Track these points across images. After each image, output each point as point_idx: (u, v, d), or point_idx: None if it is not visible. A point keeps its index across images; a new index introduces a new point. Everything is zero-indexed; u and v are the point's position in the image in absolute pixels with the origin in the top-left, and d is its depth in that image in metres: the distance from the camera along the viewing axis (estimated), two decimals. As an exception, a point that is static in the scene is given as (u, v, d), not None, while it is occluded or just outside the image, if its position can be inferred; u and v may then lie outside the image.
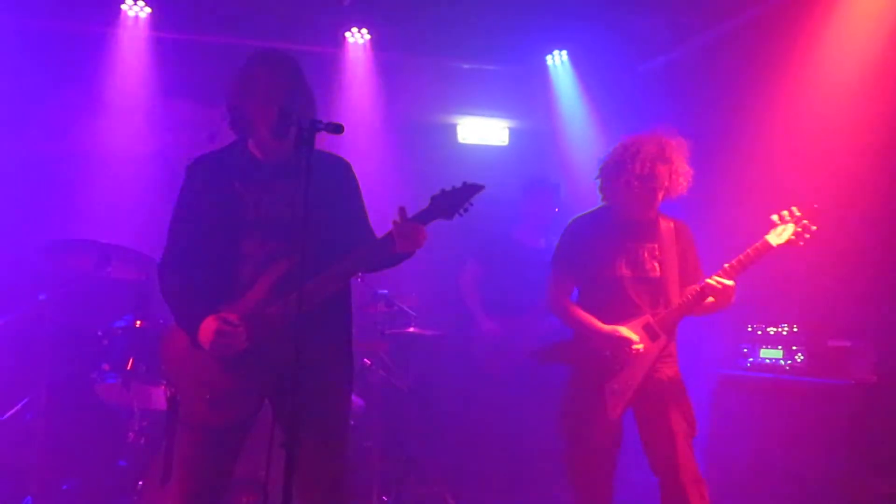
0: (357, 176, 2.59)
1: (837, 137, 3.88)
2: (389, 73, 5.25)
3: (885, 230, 3.70)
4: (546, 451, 4.40)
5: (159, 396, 3.66)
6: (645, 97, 5.18)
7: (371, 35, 5.17)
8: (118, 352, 3.68)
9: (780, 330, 3.92)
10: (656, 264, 3.07)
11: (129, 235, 4.14)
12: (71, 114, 4.90)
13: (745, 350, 4.06)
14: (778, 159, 4.20)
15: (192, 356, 2.38)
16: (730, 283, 2.92)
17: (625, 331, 2.98)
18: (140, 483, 3.61)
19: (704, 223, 4.15)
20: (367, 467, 4.11)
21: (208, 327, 2.31)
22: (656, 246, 3.10)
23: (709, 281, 2.93)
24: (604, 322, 3.03)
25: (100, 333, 3.79)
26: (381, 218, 2.57)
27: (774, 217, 3.00)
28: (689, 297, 2.99)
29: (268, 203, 2.43)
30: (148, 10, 4.81)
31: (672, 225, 3.16)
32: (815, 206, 2.99)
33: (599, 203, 3.24)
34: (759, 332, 4.01)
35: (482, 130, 5.84)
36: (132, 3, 4.78)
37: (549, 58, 5.52)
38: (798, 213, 2.98)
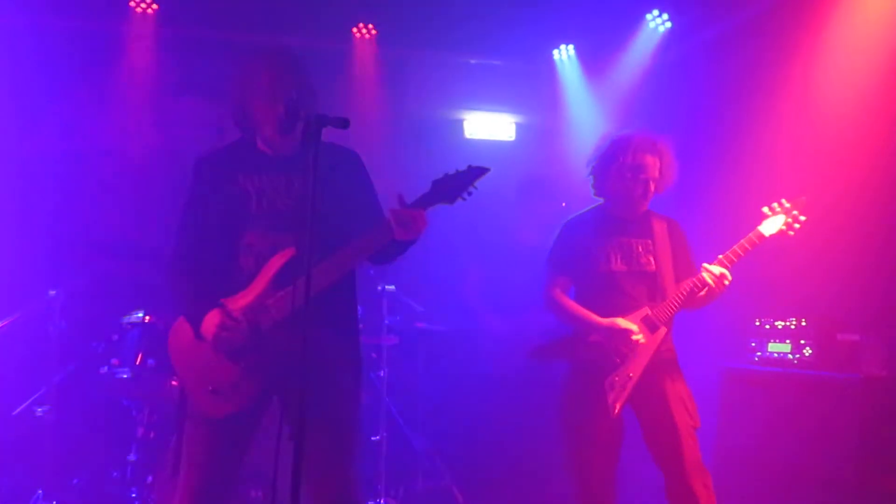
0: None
1: (847, 130, 3.86)
2: (396, 69, 5.25)
3: (895, 223, 3.68)
4: (553, 446, 4.41)
5: (168, 391, 3.69)
6: (650, 92, 5.16)
7: (378, 30, 5.17)
8: (128, 347, 3.71)
9: (788, 324, 3.91)
10: (651, 258, 3.10)
11: (137, 230, 4.16)
12: (80, 111, 4.92)
13: (753, 344, 4.05)
14: (786, 153, 4.18)
15: (197, 348, 2.39)
16: (724, 270, 2.95)
17: (623, 322, 3.00)
18: (150, 477, 3.64)
19: (707, 216, 4.15)
20: (374, 462, 4.13)
21: (211, 320, 2.33)
22: (650, 241, 3.12)
23: (705, 269, 2.96)
24: (601, 317, 3.05)
25: (109, 329, 3.82)
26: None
27: (765, 209, 3.05)
28: (685, 289, 3.01)
29: (272, 196, 2.44)
30: (154, 6, 4.82)
31: (665, 223, 3.20)
32: (803, 197, 3.03)
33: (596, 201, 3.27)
34: (767, 326, 4.00)
35: (489, 126, 5.83)
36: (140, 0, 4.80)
37: (555, 52, 5.51)
38: (787, 205, 3.04)
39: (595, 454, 3.03)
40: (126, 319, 3.80)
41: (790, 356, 3.85)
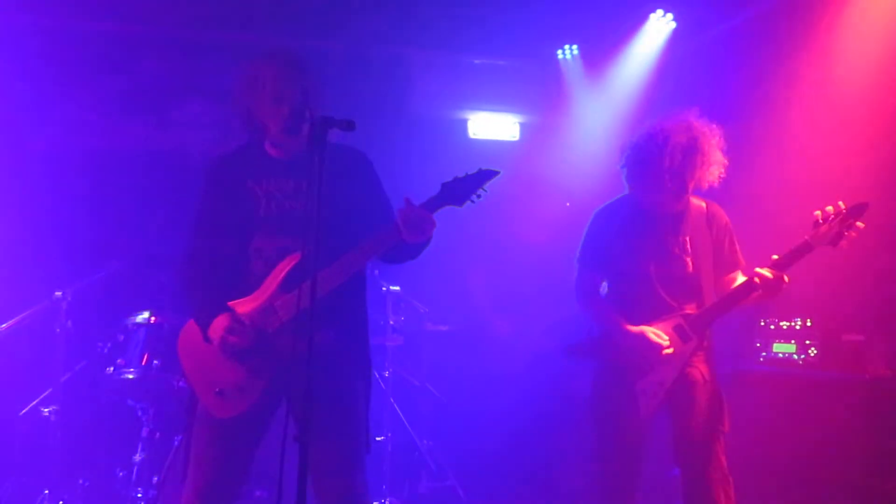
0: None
1: (856, 129, 3.84)
2: (400, 69, 5.24)
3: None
4: (557, 446, 4.41)
5: (174, 391, 3.70)
6: (655, 91, 5.16)
7: (382, 30, 5.16)
8: (133, 347, 3.72)
9: (793, 324, 3.90)
10: (688, 259, 2.93)
11: (143, 231, 4.18)
12: (86, 112, 4.93)
13: (758, 344, 4.04)
14: (796, 151, 4.16)
15: (204, 350, 2.41)
16: (779, 274, 2.75)
17: (653, 333, 2.86)
18: (155, 478, 3.65)
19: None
20: (378, 462, 4.13)
21: (219, 324, 2.34)
22: (688, 239, 2.95)
23: (757, 272, 2.76)
24: (633, 320, 2.91)
25: (115, 329, 3.84)
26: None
27: (817, 213, 2.79)
28: (732, 291, 2.84)
29: (280, 199, 2.45)
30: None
31: (704, 209, 2.99)
32: (863, 202, 2.76)
33: (615, 193, 3.12)
34: (772, 327, 3.99)
35: (493, 125, 5.83)
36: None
37: (559, 52, 5.50)
38: (844, 211, 2.76)
39: (622, 457, 2.95)
40: (132, 320, 3.81)
41: (795, 356, 3.84)
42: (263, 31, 4.78)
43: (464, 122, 5.80)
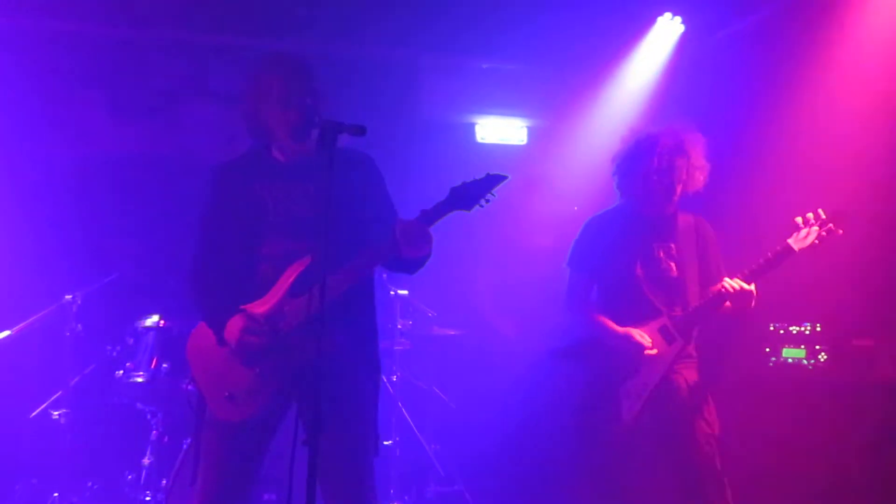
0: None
1: (864, 132, 3.82)
2: (408, 73, 5.26)
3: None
4: (566, 451, 4.40)
5: (182, 395, 3.71)
6: (663, 95, 5.15)
7: (390, 35, 5.17)
8: (142, 351, 3.74)
9: (802, 329, 3.88)
10: (673, 264, 3.03)
11: (151, 235, 4.19)
12: (96, 116, 4.97)
13: (767, 349, 4.02)
14: (803, 154, 4.14)
15: (214, 354, 2.42)
16: (748, 287, 2.84)
17: (637, 334, 2.94)
18: (164, 481, 3.66)
19: (726, 220, 4.12)
20: (386, 467, 4.13)
21: (235, 325, 2.35)
22: (673, 245, 3.05)
23: (724, 283, 2.85)
24: (620, 323, 2.99)
25: (124, 332, 3.86)
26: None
27: (798, 219, 2.91)
28: (707, 300, 2.94)
29: (288, 204, 2.45)
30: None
31: (692, 220, 3.10)
32: (843, 209, 2.87)
33: (617, 199, 3.21)
34: (782, 332, 3.97)
35: (501, 129, 5.83)
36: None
37: (567, 56, 5.49)
38: (824, 216, 2.87)
39: (606, 459, 3.00)
40: (141, 324, 3.83)
41: (805, 362, 3.82)
42: (272, 35, 4.80)
43: (472, 127, 5.81)
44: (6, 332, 3.69)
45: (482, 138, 5.80)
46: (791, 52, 4.27)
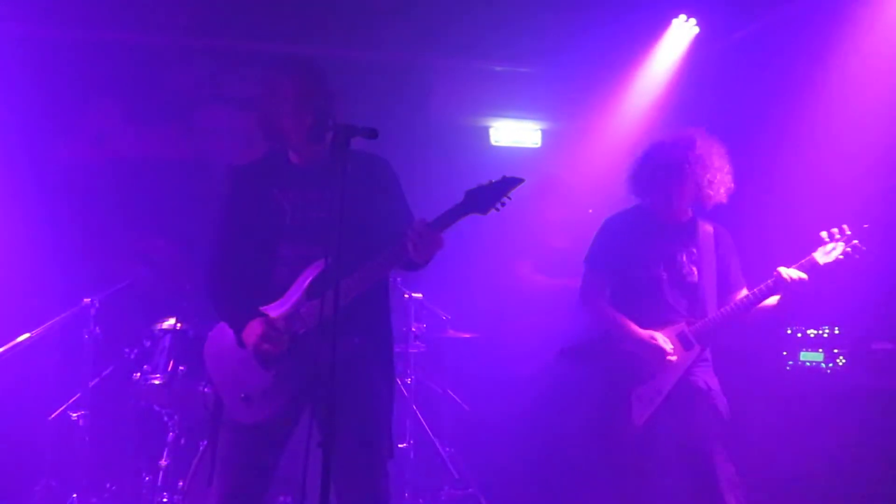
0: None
1: (881, 133, 3.78)
2: (422, 77, 5.27)
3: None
4: (583, 455, 4.38)
5: (199, 397, 3.74)
6: (678, 97, 5.12)
7: (404, 38, 5.19)
8: (159, 353, 3.77)
9: (820, 332, 3.84)
10: (694, 269, 3.00)
11: (168, 239, 4.23)
12: (111, 121, 5.03)
13: (785, 353, 3.98)
14: (824, 157, 4.10)
15: (230, 356, 2.44)
16: (804, 275, 2.80)
17: (661, 339, 2.92)
18: (181, 482, 3.69)
19: (742, 225, 4.09)
20: (400, 470, 4.13)
21: (254, 330, 2.37)
22: (695, 250, 3.02)
23: (781, 272, 2.81)
24: (637, 325, 2.97)
25: (142, 335, 3.89)
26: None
27: (823, 234, 2.88)
28: (734, 306, 2.90)
29: (304, 208, 2.48)
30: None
31: (711, 230, 3.09)
32: (867, 225, 2.86)
33: (634, 202, 3.19)
34: (799, 335, 3.93)
35: (515, 132, 5.83)
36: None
37: (581, 58, 5.48)
38: (849, 232, 2.85)
39: (617, 462, 2.98)
40: (158, 326, 3.87)
41: (823, 365, 3.78)
42: (286, 40, 4.83)
43: (486, 130, 5.81)
44: (26, 335, 3.73)
45: (496, 141, 5.81)
46: (806, 55, 4.24)
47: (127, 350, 3.91)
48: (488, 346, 4.77)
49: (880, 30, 3.91)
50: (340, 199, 2.11)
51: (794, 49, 4.36)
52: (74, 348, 3.94)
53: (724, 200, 3.02)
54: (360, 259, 2.37)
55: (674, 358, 2.91)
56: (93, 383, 3.93)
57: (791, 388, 3.85)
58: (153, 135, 4.99)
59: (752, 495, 2.96)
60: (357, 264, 2.37)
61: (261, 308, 2.43)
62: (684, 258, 3.01)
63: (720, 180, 2.99)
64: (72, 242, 4.56)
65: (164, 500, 3.71)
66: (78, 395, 3.93)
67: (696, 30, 5.04)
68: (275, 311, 2.42)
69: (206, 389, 3.65)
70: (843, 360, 3.71)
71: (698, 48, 5.10)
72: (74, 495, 3.82)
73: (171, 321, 3.84)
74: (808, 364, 3.85)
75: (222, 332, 2.50)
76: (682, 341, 2.93)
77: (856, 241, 2.84)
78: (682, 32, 5.07)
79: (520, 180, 2.35)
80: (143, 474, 3.91)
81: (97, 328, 3.89)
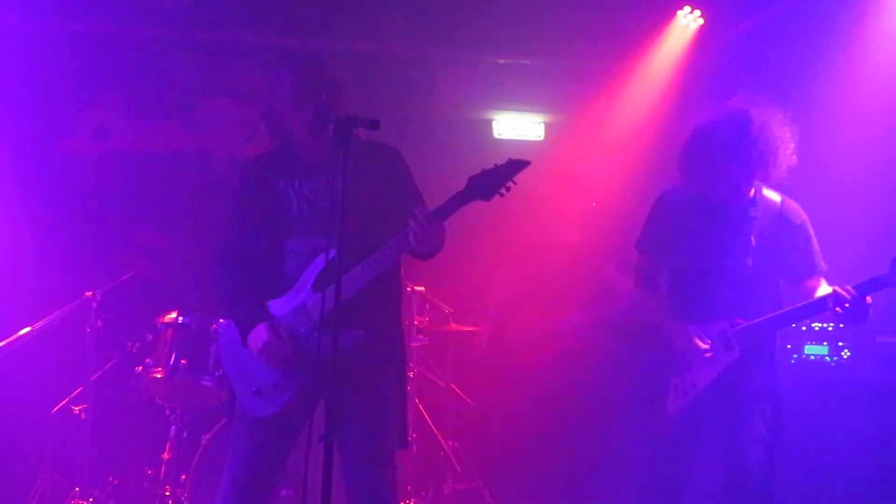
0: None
1: (887, 132, 3.75)
2: (424, 70, 5.25)
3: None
4: (586, 448, 4.37)
5: (201, 391, 3.74)
6: (682, 89, 5.09)
7: (407, 32, 5.17)
8: (161, 347, 3.77)
9: (825, 325, 3.82)
10: (749, 261, 2.79)
11: (170, 232, 4.23)
12: (114, 114, 5.02)
13: (789, 346, 3.96)
14: (827, 151, 4.06)
15: (242, 350, 2.46)
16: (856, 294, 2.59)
17: (696, 336, 2.78)
18: (183, 476, 3.69)
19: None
20: (403, 464, 4.13)
21: (259, 335, 2.39)
22: (753, 238, 2.79)
23: (837, 290, 2.60)
24: (684, 317, 2.83)
25: (144, 329, 3.88)
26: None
27: (836, 290, 2.66)
28: (783, 314, 2.74)
29: (310, 200, 2.47)
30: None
31: (777, 205, 2.82)
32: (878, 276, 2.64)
33: (680, 183, 2.96)
34: (804, 328, 3.91)
35: (518, 125, 5.80)
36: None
37: (584, 51, 5.45)
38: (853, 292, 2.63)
39: (657, 449, 2.90)
40: (160, 320, 3.86)
41: (828, 358, 3.76)
42: (289, 33, 4.81)
43: (489, 123, 5.79)
44: (27, 329, 3.73)
45: (499, 134, 5.78)
46: (811, 46, 4.21)
47: (129, 344, 3.91)
48: (492, 340, 4.76)
49: (886, 21, 3.88)
50: (343, 192, 2.10)
51: (799, 41, 4.33)
52: (76, 342, 3.94)
53: (793, 164, 2.76)
54: (367, 250, 2.36)
55: (710, 355, 2.76)
56: (95, 377, 3.93)
57: (796, 381, 3.83)
58: (155, 128, 4.98)
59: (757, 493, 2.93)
60: (363, 256, 2.35)
61: (270, 302, 2.45)
62: (738, 247, 2.80)
63: (783, 149, 2.75)
64: (73, 236, 4.56)
65: (167, 493, 3.71)
66: (80, 388, 3.94)
67: (701, 21, 5.01)
68: (284, 305, 2.43)
69: (207, 383, 3.65)
70: (848, 354, 3.69)
71: (702, 40, 5.07)
72: (77, 489, 3.82)
73: (173, 315, 3.83)
74: (812, 357, 3.83)
75: (233, 327, 2.52)
76: (724, 341, 2.76)
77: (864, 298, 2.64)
78: (686, 24, 5.04)
79: (527, 163, 2.29)
80: (146, 468, 3.91)
81: (99, 322, 3.89)
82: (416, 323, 4.31)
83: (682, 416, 2.83)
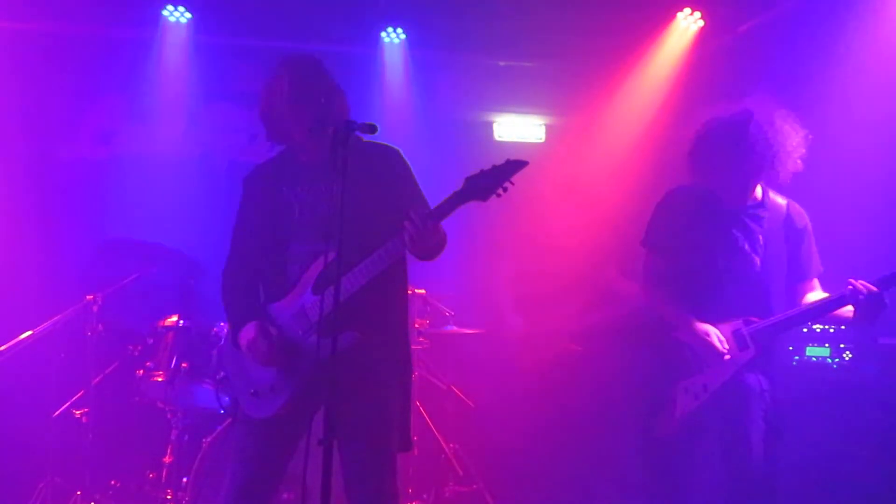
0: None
1: (890, 132, 3.74)
2: (425, 72, 5.26)
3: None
4: (587, 450, 4.37)
5: (202, 394, 3.74)
6: (684, 91, 5.09)
7: (406, 34, 5.18)
8: (162, 350, 3.77)
9: (827, 326, 3.81)
10: (757, 259, 2.78)
11: (171, 235, 4.23)
12: (115, 118, 5.03)
13: (791, 348, 3.95)
14: (829, 153, 4.05)
15: (240, 352, 2.47)
16: (874, 289, 2.59)
17: (716, 336, 2.74)
18: (185, 479, 3.69)
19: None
20: (404, 466, 4.12)
21: (247, 333, 2.41)
22: (761, 238, 2.79)
23: (853, 284, 2.59)
24: (694, 315, 2.79)
25: (145, 332, 3.89)
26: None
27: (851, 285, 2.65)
28: (797, 312, 2.71)
29: (311, 204, 2.48)
30: (188, 15, 4.90)
31: (784, 208, 2.83)
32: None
33: (690, 182, 2.94)
34: (805, 330, 3.90)
35: (518, 127, 5.80)
36: (173, 9, 4.87)
37: (584, 53, 5.45)
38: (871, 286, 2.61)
39: (662, 450, 2.85)
40: (161, 324, 3.86)
41: (829, 360, 3.75)
42: (289, 36, 4.81)
43: (490, 125, 5.79)
44: (29, 333, 3.73)
45: (500, 136, 5.78)
46: (811, 48, 4.20)
47: (130, 347, 3.91)
48: (492, 342, 4.76)
49: (886, 21, 3.87)
50: (341, 195, 2.10)
51: (800, 42, 4.32)
52: (77, 345, 3.94)
53: (799, 169, 2.77)
54: (370, 252, 2.35)
55: (727, 357, 2.74)
56: (96, 380, 3.93)
57: (798, 383, 3.82)
58: (158, 131, 4.99)
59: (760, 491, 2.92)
60: (362, 258, 2.35)
61: (271, 305, 2.46)
62: (747, 247, 2.80)
63: (790, 152, 2.75)
64: (74, 240, 4.56)
65: (168, 496, 3.71)
66: (81, 392, 3.93)
67: (701, 23, 5.01)
68: (282, 308, 2.44)
69: (208, 387, 3.66)
70: (850, 355, 3.68)
71: (703, 42, 5.06)
72: (78, 492, 3.82)
73: (174, 318, 3.84)
74: (814, 359, 3.82)
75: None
76: (738, 340, 2.75)
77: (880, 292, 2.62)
78: (686, 26, 5.04)
79: (524, 163, 2.25)
80: (147, 471, 3.91)
81: (100, 325, 3.89)
82: (416, 326, 4.31)
83: (688, 424, 2.80)
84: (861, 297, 2.60)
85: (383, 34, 5.19)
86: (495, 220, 4.67)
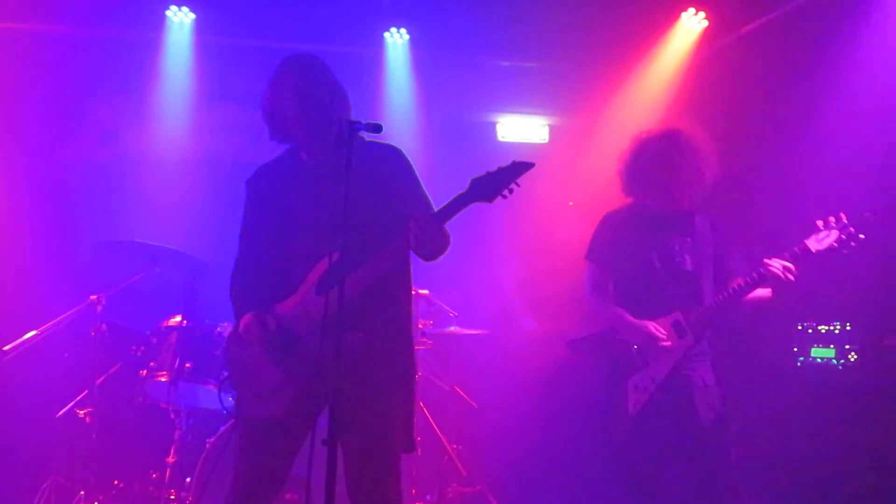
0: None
1: (891, 131, 3.74)
2: (428, 73, 5.25)
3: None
4: (590, 451, 4.36)
5: (205, 394, 3.74)
6: (687, 91, 5.08)
7: (410, 35, 5.18)
8: (165, 350, 3.77)
9: (832, 328, 3.80)
10: (687, 257, 3.06)
11: (175, 236, 4.23)
12: (119, 119, 5.04)
13: (796, 349, 3.94)
14: (832, 151, 4.06)
15: (245, 353, 2.47)
16: (789, 264, 2.84)
17: (653, 327, 3.00)
18: (188, 479, 3.69)
19: (749, 218, 4.06)
20: (407, 466, 4.12)
21: (245, 320, 2.44)
22: (689, 239, 3.09)
23: (766, 263, 2.84)
24: (636, 315, 3.05)
25: (148, 332, 3.89)
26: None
27: (819, 221, 2.89)
28: (726, 294, 2.95)
29: (315, 205, 2.47)
30: (192, 15, 4.91)
31: (709, 221, 3.15)
32: (867, 214, 2.84)
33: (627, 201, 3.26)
34: (810, 331, 3.89)
35: (522, 128, 5.80)
36: (176, 9, 4.88)
37: (588, 53, 5.44)
38: (845, 220, 2.85)
39: (622, 452, 3.04)
40: (164, 324, 3.86)
41: (834, 362, 3.74)
42: (293, 38, 4.81)
43: (493, 126, 5.78)
44: (33, 333, 3.74)
45: (503, 137, 5.78)
46: (815, 48, 4.19)
47: (133, 347, 3.91)
48: (496, 343, 4.75)
49: (888, 25, 3.86)
50: (345, 196, 2.10)
51: (803, 43, 4.31)
52: (81, 346, 3.95)
53: (709, 184, 3.06)
54: (370, 253, 2.35)
55: (667, 343, 2.95)
56: (100, 381, 3.94)
57: (802, 384, 3.81)
58: (160, 131, 4.99)
59: (763, 491, 2.93)
60: (365, 258, 2.35)
61: (276, 305, 2.46)
62: (677, 247, 3.08)
63: (706, 168, 3.05)
64: (78, 239, 4.56)
65: (172, 496, 3.71)
66: (85, 392, 3.94)
67: (706, 23, 5.00)
68: (286, 308, 2.43)
69: (211, 386, 3.66)
70: (855, 356, 3.67)
71: (707, 42, 5.05)
72: (82, 492, 3.83)
73: (178, 318, 3.84)
74: (819, 360, 3.81)
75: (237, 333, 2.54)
76: (676, 329, 2.99)
77: (851, 229, 2.82)
78: (690, 26, 5.03)
79: (530, 165, 2.24)
80: (150, 471, 3.91)
81: (104, 325, 3.89)
82: (420, 326, 4.31)
83: (642, 420, 2.98)
84: (774, 272, 2.83)
85: (387, 35, 5.19)
86: (496, 221, 4.67)
